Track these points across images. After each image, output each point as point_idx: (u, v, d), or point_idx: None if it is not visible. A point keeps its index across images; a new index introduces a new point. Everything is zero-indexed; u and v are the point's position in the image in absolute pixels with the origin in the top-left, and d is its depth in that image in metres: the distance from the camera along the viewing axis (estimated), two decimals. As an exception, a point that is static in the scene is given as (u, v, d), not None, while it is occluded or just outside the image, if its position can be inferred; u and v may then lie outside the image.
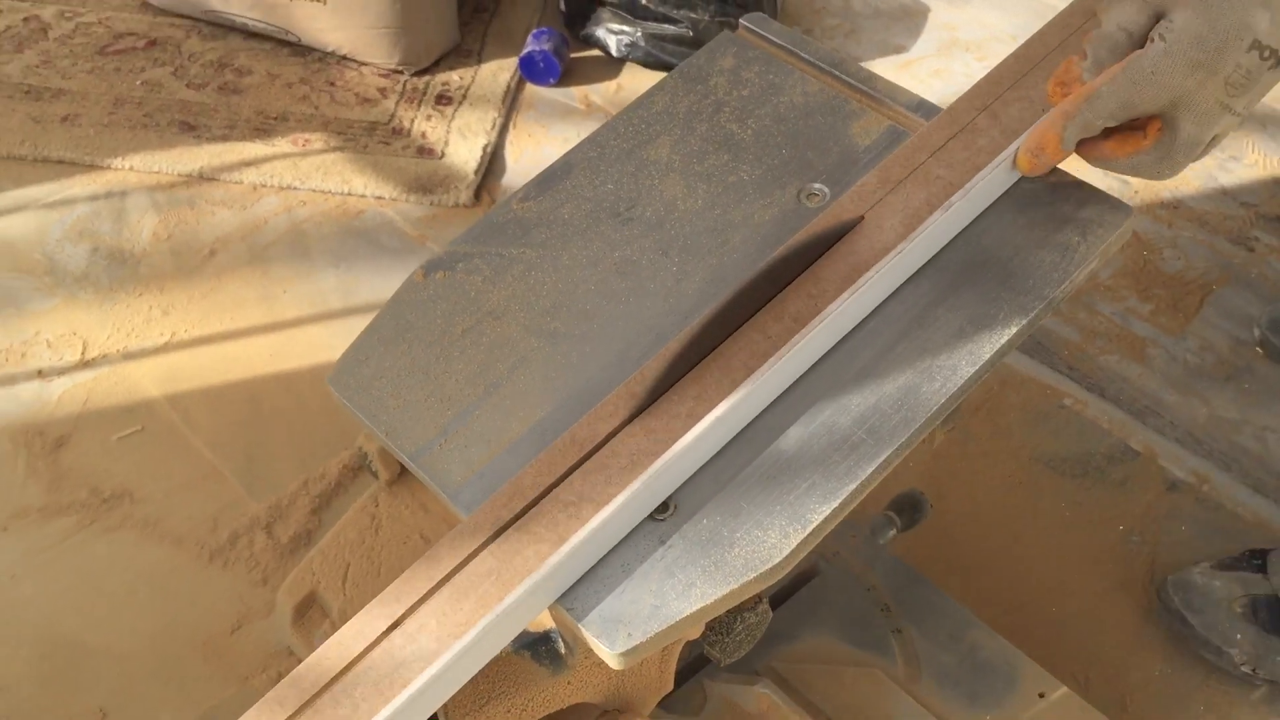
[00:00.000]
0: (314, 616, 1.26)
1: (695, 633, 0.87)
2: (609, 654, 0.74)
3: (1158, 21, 0.75)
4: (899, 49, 2.25)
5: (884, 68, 2.20)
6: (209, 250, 1.74)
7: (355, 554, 1.26)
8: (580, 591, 0.76)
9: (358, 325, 1.63)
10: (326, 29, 2.02)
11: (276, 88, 2.02)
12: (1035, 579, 1.39)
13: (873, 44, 2.26)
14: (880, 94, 0.98)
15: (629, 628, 0.74)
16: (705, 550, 0.76)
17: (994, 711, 1.11)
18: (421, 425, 0.85)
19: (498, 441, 0.83)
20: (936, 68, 2.20)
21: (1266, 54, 0.73)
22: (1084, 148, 0.81)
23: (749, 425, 0.81)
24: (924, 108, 0.96)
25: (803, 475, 0.78)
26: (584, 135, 1.99)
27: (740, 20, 1.06)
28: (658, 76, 2.11)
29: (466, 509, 0.81)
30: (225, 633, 1.31)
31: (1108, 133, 0.80)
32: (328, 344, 1.62)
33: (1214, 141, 0.77)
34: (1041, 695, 1.13)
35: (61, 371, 1.56)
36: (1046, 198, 0.87)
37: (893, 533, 1.18)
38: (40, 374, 1.55)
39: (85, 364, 1.57)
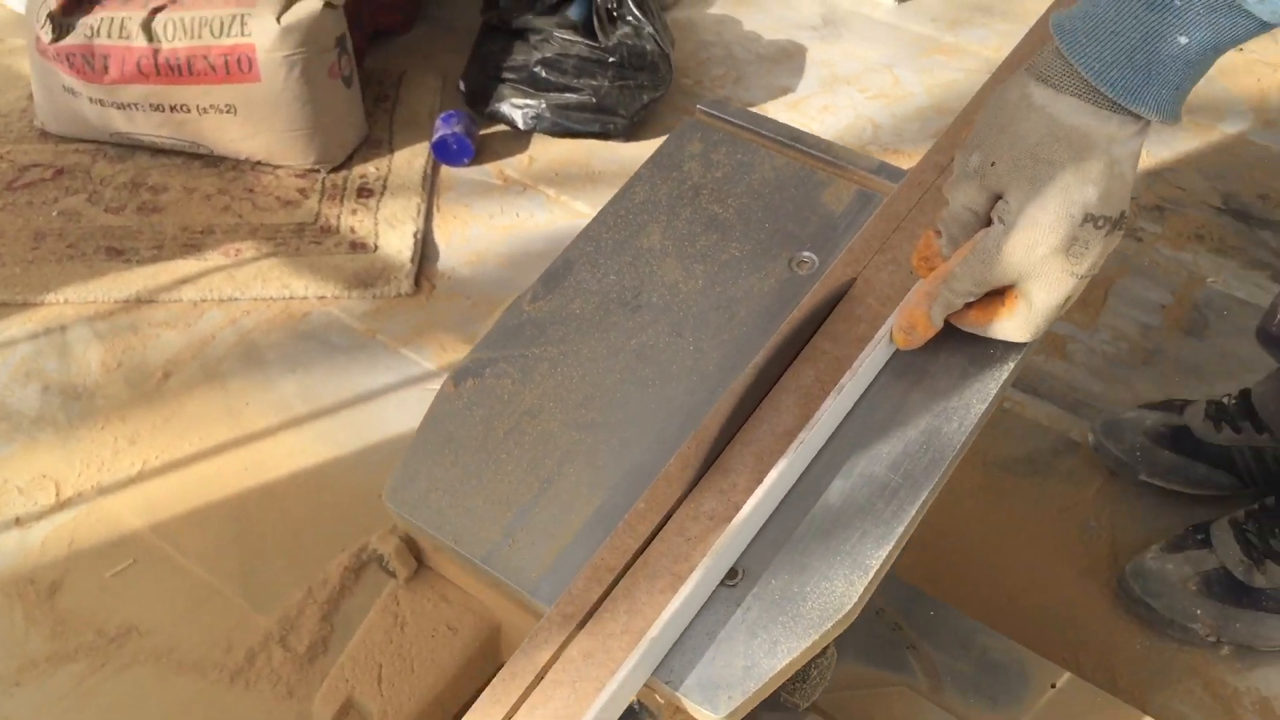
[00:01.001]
0: (351, 721, 1.29)
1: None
2: (713, 718, 0.80)
3: (998, 200, 0.81)
4: (785, 90, 2.37)
5: (776, 109, 2.31)
6: (162, 373, 1.75)
7: (385, 654, 1.30)
8: (672, 663, 0.82)
9: (326, 427, 1.67)
10: (238, 138, 2.05)
11: (196, 201, 2.04)
12: (1011, 577, 1.50)
13: (760, 87, 2.37)
14: (841, 160, 1.07)
15: (728, 691, 0.80)
16: (781, 608, 0.83)
17: (1014, 709, 1.20)
18: (485, 528, 0.91)
19: (562, 533, 0.89)
20: (824, 104, 2.32)
21: (1101, 222, 0.79)
22: (952, 316, 0.87)
23: (794, 486, 0.88)
24: (884, 170, 1.06)
25: (854, 525, 0.86)
26: (507, 210, 2.07)
27: (699, 106, 1.14)
28: (567, 144, 2.19)
29: (548, 601, 0.86)
30: (261, 752, 1.33)
31: (970, 303, 0.86)
32: (301, 449, 1.65)
33: (1068, 301, 0.83)
34: (1053, 685, 1.22)
35: (39, 516, 1.55)
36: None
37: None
38: (18, 522, 1.54)
39: (62, 505, 1.57)
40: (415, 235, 1.98)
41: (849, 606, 0.82)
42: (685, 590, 0.81)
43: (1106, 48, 0.74)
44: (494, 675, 1.35)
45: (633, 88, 2.16)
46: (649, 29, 2.18)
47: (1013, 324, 0.85)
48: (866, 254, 0.96)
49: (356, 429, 1.68)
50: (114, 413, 1.69)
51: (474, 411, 0.96)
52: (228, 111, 2.02)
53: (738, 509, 0.85)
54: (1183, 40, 0.72)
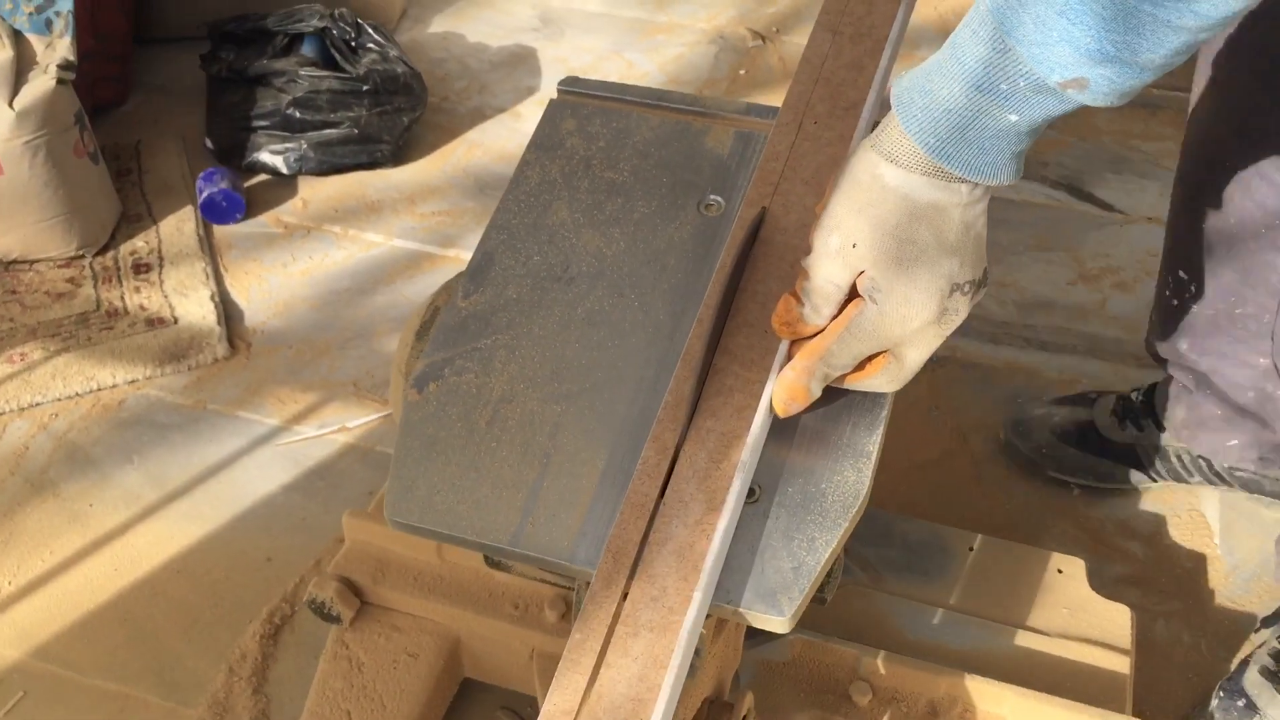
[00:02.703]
0: (333, 779, 1.26)
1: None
2: (779, 622, 0.85)
3: (860, 274, 0.83)
4: (530, 90, 2.43)
5: (528, 108, 2.37)
6: (-18, 497, 1.61)
7: (349, 700, 1.27)
8: (725, 584, 0.86)
9: (185, 507, 1.60)
10: (-11, 238, 1.90)
11: (-46, 315, 1.88)
12: (889, 473, 1.62)
13: (506, 91, 2.42)
14: (711, 109, 1.14)
15: (785, 593, 0.86)
16: (806, 508, 0.89)
17: (947, 576, 1.32)
18: (502, 515, 0.91)
19: (579, 499, 0.91)
20: (570, 96, 2.39)
21: (967, 288, 0.83)
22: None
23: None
24: (753, 110, 1.13)
25: (842, 421, 0.93)
26: (299, 255, 2.02)
27: (558, 85, 1.17)
28: (336, 180, 2.17)
29: (587, 564, 0.89)
30: (239, 838, 1.26)
31: None
32: (168, 535, 1.56)
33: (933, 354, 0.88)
34: (971, 549, 1.35)
35: (-104, 677, 1.40)
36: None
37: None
38: (-125, 689, 1.39)
39: (-81, 659, 1.42)
40: (213, 298, 1.90)
41: (864, 491, 0.90)
42: (727, 510, 0.86)
43: (941, 124, 0.77)
44: (454, 691, 1.34)
45: (391, 112, 2.15)
46: (394, 52, 2.18)
47: (884, 379, 0.90)
48: (766, 189, 1.03)
49: (219, 501, 1.61)
50: (-58, 550, 1.55)
51: (448, 411, 0.97)
52: (-29, 213, 1.87)
53: (744, 427, 0.90)
54: (1013, 118, 0.75)
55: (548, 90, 2.41)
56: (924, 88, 0.77)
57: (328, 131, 2.14)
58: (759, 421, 0.90)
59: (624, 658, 0.82)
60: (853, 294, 0.85)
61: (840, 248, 0.82)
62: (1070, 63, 0.70)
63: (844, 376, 0.89)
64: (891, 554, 1.34)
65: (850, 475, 0.90)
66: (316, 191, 2.15)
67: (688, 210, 1.07)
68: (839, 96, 1.08)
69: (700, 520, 0.87)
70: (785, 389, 0.89)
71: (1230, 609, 1.45)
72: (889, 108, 0.81)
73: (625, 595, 0.85)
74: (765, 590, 0.86)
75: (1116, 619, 1.26)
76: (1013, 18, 0.71)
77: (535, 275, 1.04)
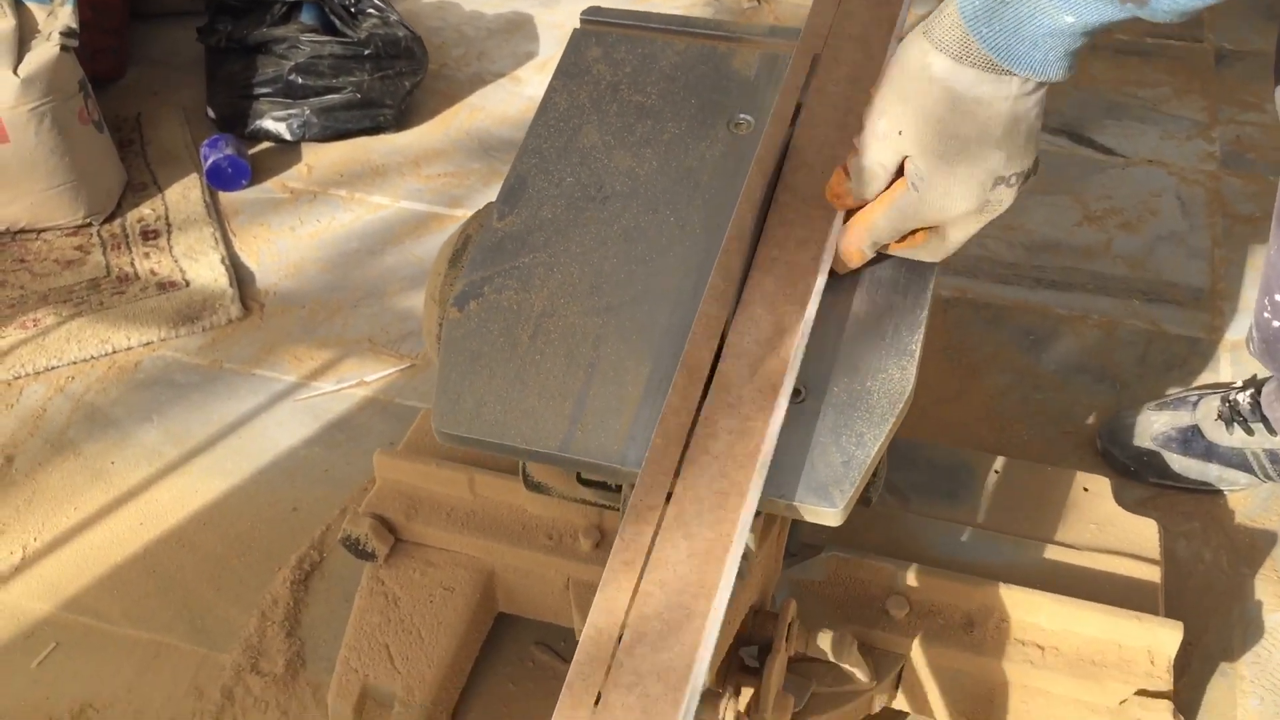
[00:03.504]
0: (371, 712, 1.27)
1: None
2: (832, 514, 0.87)
3: (906, 158, 0.84)
4: (529, 55, 2.43)
5: (527, 73, 2.37)
6: (3, 458, 1.61)
7: (387, 634, 1.28)
8: (777, 481, 0.87)
9: (207, 462, 1.60)
10: (-3, 206, 1.90)
11: (-37, 285, 1.87)
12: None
13: (505, 57, 2.42)
14: (736, 33, 1.15)
15: (837, 486, 0.87)
16: (853, 406, 0.90)
17: (973, 498, 1.33)
18: (550, 423, 0.92)
19: (625, 405, 0.92)
20: (569, 59, 2.39)
21: (1012, 179, 0.83)
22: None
23: (822, 305, 0.95)
24: (776, 32, 1.14)
25: (885, 321, 0.94)
26: (306, 219, 2.02)
27: (581, 15, 1.18)
28: (339, 146, 2.17)
29: (638, 466, 0.90)
30: (279, 776, 1.27)
31: None
32: (191, 489, 1.57)
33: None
34: (995, 471, 1.36)
35: (-74, 633, 1.41)
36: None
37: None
38: (-95, 645, 1.39)
39: (-53, 615, 1.42)
40: (223, 261, 1.90)
41: (909, 388, 0.91)
42: (778, 406, 0.87)
43: (996, 15, 0.75)
44: (489, 625, 1.35)
45: (393, 76, 2.16)
46: (394, 16, 2.18)
47: (926, 251, 0.92)
48: (789, 106, 1.04)
49: (242, 455, 1.61)
50: (-35, 510, 1.55)
51: (490, 327, 0.98)
52: (-22, 181, 1.87)
53: (791, 321, 0.91)
54: (1069, 19, 0.74)
55: (547, 55, 2.42)
56: None
57: (330, 97, 2.14)
58: (811, 306, 0.91)
59: (675, 555, 0.83)
60: (901, 172, 0.86)
61: (886, 132, 0.84)
62: None
63: (896, 247, 0.92)
64: (917, 478, 1.36)
65: (895, 373, 0.91)
66: (320, 157, 2.15)
67: (717, 129, 1.08)
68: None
69: (750, 418, 0.88)
70: (842, 251, 0.94)
71: (1249, 527, 1.47)
72: None
73: (670, 496, 0.86)
74: (816, 484, 0.87)
75: (1144, 532, 1.28)
76: None
77: (569, 196, 1.05)
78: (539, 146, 1.09)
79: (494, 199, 1.06)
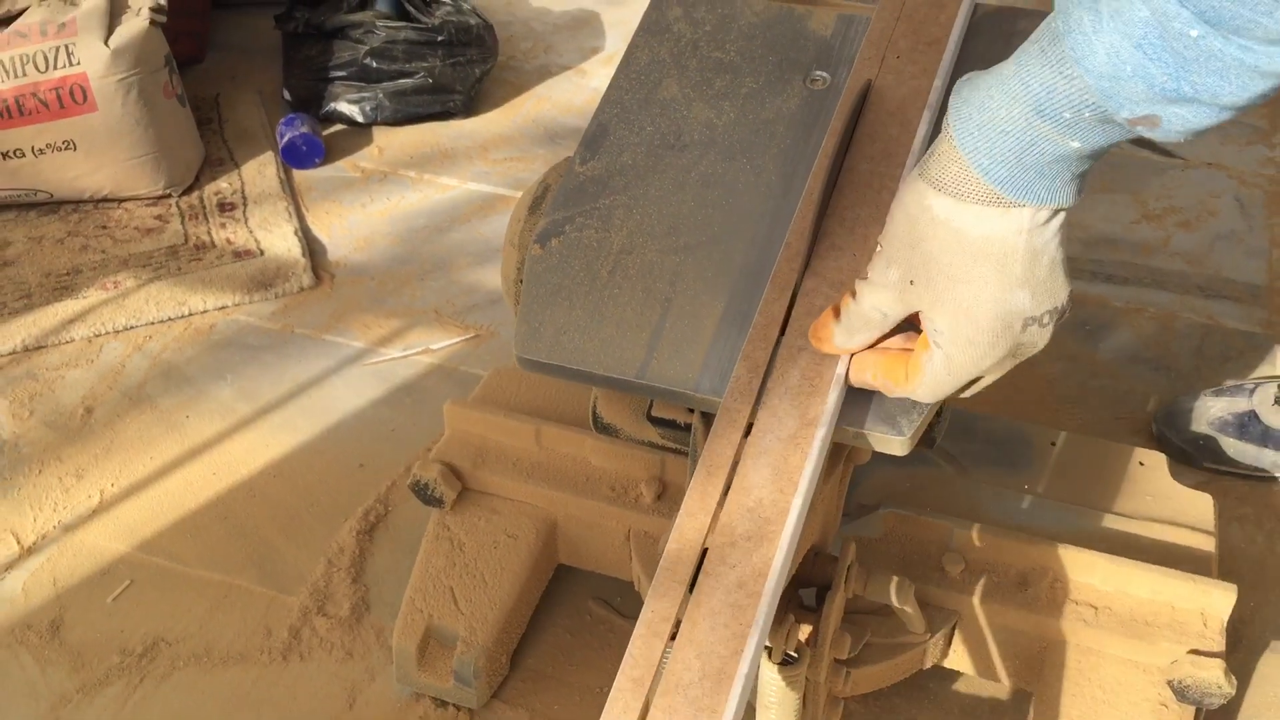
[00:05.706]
0: (434, 651, 1.30)
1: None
2: (900, 442, 0.89)
3: (914, 313, 0.79)
4: (595, 49, 2.48)
5: (593, 66, 2.43)
6: (83, 409, 1.67)
7: (452, 577, 1.32)
8: (847, 413, 0.90)
9: (279, 420, 1.65)
10: (83, 174, 1.96)
11: (48, 248, 1.94)
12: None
13: (572, 50, 2.48)
14: (812, -2, 1.19)
15: (905, 417, 0.90)
16: (921, 341, 0.93)
17: (1032, 468, 1.35)
18: (628, 351, 0.96)
19: (701, 337, 0.96)
20: (634, 55, 2.45)
21: (1045, 319, 0.76)
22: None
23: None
24: (853, -4, 1.18)
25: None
26: (377, 197, 2.08)
27: (663, -22, 1.22)
28: (410, 130, 2.23)
29: (711, 393, 0.93)
30: (343, 711, 1.30)
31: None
32: (263, 443, 1.62)
33: None
34: (1053, 444, 1.38)
35: (9, 566, 1.46)
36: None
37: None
38: (-10, 576, 1.45)
39: (29, 551, 1.48)
40: (296, 233, 1.96)
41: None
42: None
43: (997, 146, 0.70)
44: (550, 575, 1.38)
45: (464, 63, 2.22)
46: (467, 4, 2.24)
47: (967, 393, 0.86)
48: (874, 61, 1.08)
49: (312, 414, 1.66)
50: (47, 455, 1.60)
51: (571, 263, 1.02)
52: (66, 148, 1.94)
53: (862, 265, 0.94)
54: (1074, 145, 0.69)
55: (613, 49, 2.47)
56: (983, 104, 0.71)
57: (403, 81, 2.20)
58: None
59: (754, 476, 0.86)
60: (902, 326, 0.82)
61: (898, 282, 0.78)
62: (1143, 99, 0.64)
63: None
64: (976, 449, 1.38)
65: (962, 313, 0.94)
66: (391, 140, 2.21)
67: (794, 84, 1.12)
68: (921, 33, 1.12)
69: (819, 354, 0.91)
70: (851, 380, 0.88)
71: (1304, 512, 1.48)
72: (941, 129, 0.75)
73: (751, 427, 0.89)
74: (884, 415, 0.90)
75: (1199, 505, 1.29)
76: (1084, 45, 0.64)
77: (649, 144, 1.09)
78: (620, 98, 1.13)
79: (567, 167, 1.11)
